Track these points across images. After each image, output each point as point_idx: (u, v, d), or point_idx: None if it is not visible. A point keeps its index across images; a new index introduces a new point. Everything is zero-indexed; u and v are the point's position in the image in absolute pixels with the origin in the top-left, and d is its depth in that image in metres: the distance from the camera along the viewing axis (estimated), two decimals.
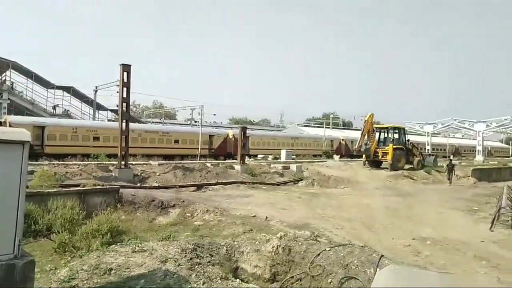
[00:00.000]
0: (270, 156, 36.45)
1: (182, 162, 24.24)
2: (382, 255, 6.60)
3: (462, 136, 75.67)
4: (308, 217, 11.25)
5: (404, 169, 26.70)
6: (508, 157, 70.57)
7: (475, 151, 46.95)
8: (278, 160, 31.61)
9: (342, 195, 16.89)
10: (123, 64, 16.31)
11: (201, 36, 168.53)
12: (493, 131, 51.63)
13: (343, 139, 52.23)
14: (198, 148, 33.76)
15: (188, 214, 11.45)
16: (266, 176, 20.76)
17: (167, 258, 5.89)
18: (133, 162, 19.65)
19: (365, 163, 28.17)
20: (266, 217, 10.56)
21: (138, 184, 15.01)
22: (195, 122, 49.82)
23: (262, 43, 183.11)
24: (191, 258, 6.14)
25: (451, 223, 11.48)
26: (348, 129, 75.53)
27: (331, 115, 72.31)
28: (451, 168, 24.41)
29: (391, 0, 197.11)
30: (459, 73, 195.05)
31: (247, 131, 24.48)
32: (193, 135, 36.26)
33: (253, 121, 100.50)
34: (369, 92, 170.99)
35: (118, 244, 6.71)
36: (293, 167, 23.30)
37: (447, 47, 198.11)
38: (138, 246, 6.29)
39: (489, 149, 74.11)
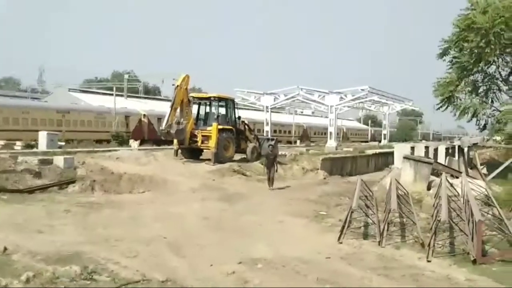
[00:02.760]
0: (18, 143, 34.33)
1: None
2: None
3: (313, 112, 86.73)
4: (81, 242, 11.07)
5: (234, 160, 28.88)
6: (367, 141, 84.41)
7: (328, 133, 54.22)
8: (34, 150, 29.93)
9: (140, 204, 17.20)
10: None
11: None
12: (348, 106, 60.83)
13: (145, 115, 52.95)
14: None
15: None
16: (10, 178, 19.36)
17: None
18: None
19: (177, 153, 29.21)
20: (5, 248, 9.90)
21: None
22: None
23: None
24: None
25: (292, 236, 13.00)
26: (154, 98, 76.80)
27: (127, 76, 72.04)
28: (272, 161, 23.22)
29: None
30: None
31: None
32: None
33: None
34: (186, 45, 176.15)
35: None
36: (60, 160, 22.55)
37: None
38: None
39: (344, 131, 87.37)
